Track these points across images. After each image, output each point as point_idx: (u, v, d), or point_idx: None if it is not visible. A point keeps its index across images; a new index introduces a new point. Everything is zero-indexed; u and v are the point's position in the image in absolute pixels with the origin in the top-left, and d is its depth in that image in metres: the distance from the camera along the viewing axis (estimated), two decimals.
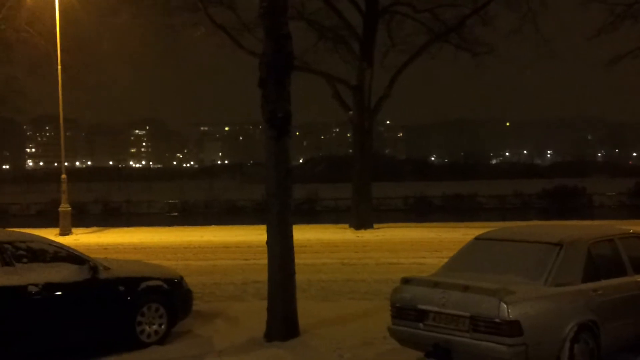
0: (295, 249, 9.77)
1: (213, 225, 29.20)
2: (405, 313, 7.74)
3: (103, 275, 9.06)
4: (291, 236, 9.67)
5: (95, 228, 27.71)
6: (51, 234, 23.10)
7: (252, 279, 14.09)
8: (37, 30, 27.01)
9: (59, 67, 25.62)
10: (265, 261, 9.80)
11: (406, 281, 7.93)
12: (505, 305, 6.91)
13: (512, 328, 6.89)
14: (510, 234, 8.66)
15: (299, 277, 9.89)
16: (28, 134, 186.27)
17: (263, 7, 9.50)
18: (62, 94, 26.08)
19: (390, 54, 28.70)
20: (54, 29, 25.53)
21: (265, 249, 9.68)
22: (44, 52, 26.97)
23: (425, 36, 28.16)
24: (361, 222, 26.31)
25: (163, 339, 9.48)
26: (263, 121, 9.66)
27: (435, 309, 7.44)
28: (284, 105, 9.57)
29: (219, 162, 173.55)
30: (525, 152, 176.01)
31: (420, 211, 46.38)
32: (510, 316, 6.89)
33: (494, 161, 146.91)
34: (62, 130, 27.05)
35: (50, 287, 8.58)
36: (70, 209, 25.47)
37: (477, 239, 8.60)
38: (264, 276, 9.93)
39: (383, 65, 28.19)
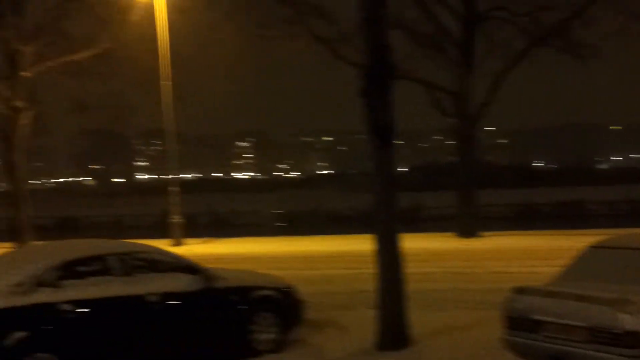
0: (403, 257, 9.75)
1: (318, 235, 29.42)
2: (519, 324, 7.59)
3: (217, 284, 9.30)
4: (399, 245, 9.66)
5: (205, 238, 28.41)
6: (164, 245, 23.86)
7: (361, 288, 14.10)
8: (143, 47, 27.96)
9: (164, 82, 26.44)
10: (372, 270, 9.81)
11: (519, 291, 7.78)
12: (625, 316, 6.69)
13: (632, 339, 6.66)
14: (628, 241, 8.31)
15: (408, 287, 9.86)
16: (137, 147, 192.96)
17: (362, 18, 9.55)
18: (167, 107, 26.92)
19: (488, 60, 28.24)
20: (159, 45, 26.41)
21: (373, 258, 9.70)
22: (150, 68, 27.86)
23: (525, 41, 27.57)
24: (467, 231, 25.98)
25: (277, 348, 9.64)
26: (367, 131, 9.69)
27: (551, 319, 7.26)
28: (387, 115, 9.58)
29: (322, 172, 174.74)
30: (635, 156, 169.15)
31: (527, 218, 45.29)
32: (630, 327, 6.66)
33: (601, 166, 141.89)
34: (171, 143, 27.90)
35: (167, 296, 8.89)
36: (181, 220, 26.22)
37: (592, 247, 8.33)
38: (372, 285, 9.94)
39: (482, 71, 27.80)
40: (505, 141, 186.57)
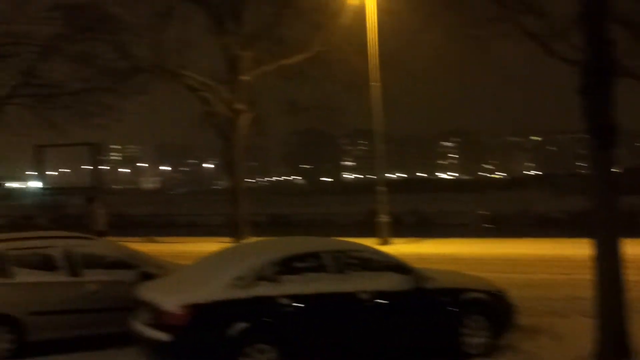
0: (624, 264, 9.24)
1: (526, 238, 28.48)
2: None
3: (428, 285, 9.35)
4: (620, 251, 9.17)
5: (411, 238, 28.49)
6: (371, 244, 24.23)
7: (576, 294, 13.52)
8: (353, 49, 28.53)
9: (373, 83, 26.82)
10: (588, 276, 9.37)
11: None
12: None
13: None
14: None
15: (629, 295, 9.33)
16: (344, 147, 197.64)
17: (580, 12, 9.15)
18: (376, 108, 27.30)
19: None
20: (370, 47, 26.84)
21: (588, 263, 9.27)
22: (360, 69, 28.37)
23: None
24: None
25: (487, 352, 9.51)
26: (586, 131, 9.28)
27: None
28: (608, 114, 9.12)
29: (529, 173, 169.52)
30: None
31: None
32: None
33: None
34: (379, 143, 28.27)
35: (379, 294, 9.05)
36: (388, 219, 26.51)
37: None
38: (588, 292, 9.49)
39: None
40: None
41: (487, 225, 45.04)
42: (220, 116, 29.85)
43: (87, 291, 10.23)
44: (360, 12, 27.75)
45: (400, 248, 24.31)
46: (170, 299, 8.32)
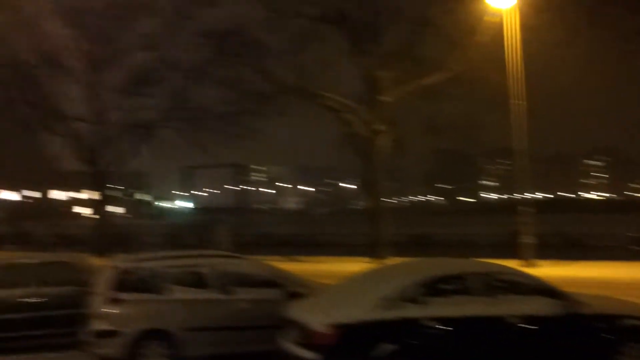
0: None
1: None
2: None
3: (581, 310, 9.00)
4: None
5: (557, 260, 27.49)
6: (514, 265, 23.57)
7: None
8: (494, 66, 27.95)
9: (514, 101, 26.16)
10: None
11: None
12: None
13: None
14: None
15: None
16: (483, 166, 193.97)
17: None
18: (518, 126, 26.61)
19: None
20: (509, 64, 26.26)
21: None
22: (500, 86, 27.75)
23: None
24: None
25: None
26: None
27: None
28: None
29: None
30: None
31: None
32: None
33: None
34: (521, 162, 27.46)
35: (528, 319, 8.80)
36: (533, 240, 25.73)
37: None
38: None
39: None
40: None
41: (638, 248, 42.84)
42: (360, 137, 30.04)
43: (237, 309, 10.57)
44: (501, 29, 27.26)
45: (546, 271, 23.44)
46: (318, 318, 8.46)
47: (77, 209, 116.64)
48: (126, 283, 10.50)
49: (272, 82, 30.57)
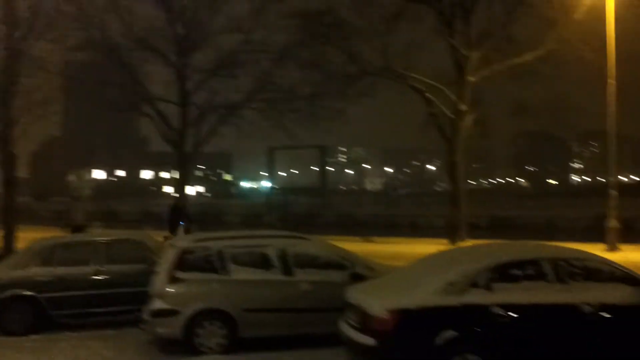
0: None
1: None
2: None
3: None
4: None
5: None
6: (597, 250, 22.65)
7: None
8: (589, 47, 26.86)
9: (610, 81, 25.07)
10: None
11: None
12: None
13: None
14: None
15: None
16: (573, 149, 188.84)
17: None
18: (611, 107, 25.53)
19: None
20: (606, 43, 25.12)
21: None
22: (595, 67, 26.66)
23: None
24: None
25: None
26: None
27: None
28: None
29: None
30: None
31: None
32: None
33: None
34: (611, 144, 26.44)
35: (604, 307, 8.27)
36: (617, 224, 24.70)
37: None
38: None
39: None
40: None
41: None
42: (444, 118, 29.52)
43: (299, 290, 10.35)
44: (596, 7, 26.07)
45: (630, 256, 22.44)
46: (378, 302, 8.15)
47: (165, 189, 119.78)
48: (186, 262, 10.42)
49: (358, 63, 30.27)
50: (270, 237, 11.25)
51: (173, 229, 20.49)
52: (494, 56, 28.62)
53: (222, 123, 31.52)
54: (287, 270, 10.49)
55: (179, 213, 21.19)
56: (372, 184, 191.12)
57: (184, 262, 10.40)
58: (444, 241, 27.25)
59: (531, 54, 27.73)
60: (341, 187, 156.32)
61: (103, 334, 11.76)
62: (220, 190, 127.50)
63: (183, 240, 11.44)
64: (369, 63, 30.07)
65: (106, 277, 12.23)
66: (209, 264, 10.44)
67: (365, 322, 8.13)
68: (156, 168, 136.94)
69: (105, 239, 13.02)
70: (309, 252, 10.94)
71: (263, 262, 10.56)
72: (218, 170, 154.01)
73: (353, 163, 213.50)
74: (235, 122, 32.51)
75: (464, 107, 28.26)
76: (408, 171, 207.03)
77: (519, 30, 29.26)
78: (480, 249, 10.15)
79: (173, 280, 10.27)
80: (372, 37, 29.37)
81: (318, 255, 10.98)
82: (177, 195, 29.31)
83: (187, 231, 20.39)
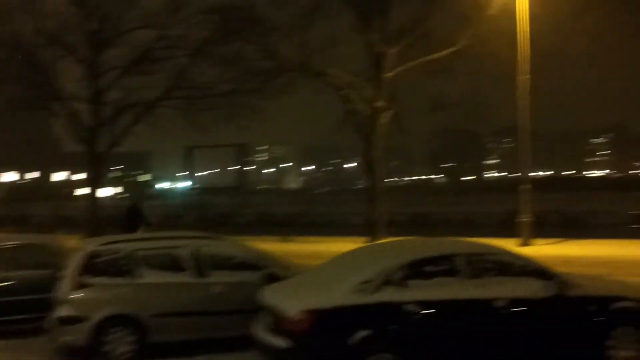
0: None
1: None
2: None
3: (571, 292, 8.53)
4: None
5: (555, 239, 27.09)
6: (510, 245, 23.12)
7: None
8: (502, 41, 27.37)
9: (521, 76, 25.59)
10: None
11: None
12: None
13: None
14: None
15: None
16: (488, 145, 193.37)
17: None
18: (523, 103, 26.07)
19: None
20: (518, 40, 25.65)
21: None
22: (507, 63, 27.20)
23: None
24: None
25: None
26: None
27: None
28: None
29: None
30: None
31: None
32: None
33: None
34: (523, 140, 26.99)
35: (515, 302, 8.34)
36: (530, 219, 25.27)
37: None
38: None
39: None
40: None
41: (638, 226, 42.36)
42: (361, 115, 29.59)
43: (213, 293, 10.10)
44: (509, 3, 26.61)
45: (543, 250, 23.06)
46: (291, 303, 8.00)
47: (78, 191, 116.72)
48: (93, 266, 10.01)
49: (276, 60, 30.04)
50: (183, 238, 10.92)
51: (131, 232, 19.62)
52: (411, 53, 28.85)
53: (137, 121, 30.91)
54: (200, 272, 10.21)
55: (136, 215, 19.93)
56: (292, 183, 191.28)
57: (91, 266, 9.98)
58: (363, 239, 27.32)
59: (446, 50, 28.07)
60: (261, 186, 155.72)
61: (8, 343, 11.21)
62: (138, 191, 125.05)
63: (90, 243, 11.01)
64: (287, 59, 29.87)
65: (11, 283, 11.66)
66: (118, 268, 10.06)
67: (279, 324, 7.97)
68: (70, 169, 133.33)
69: (9, 244, 12.40)
70: (223, 253, 10.69)
71: (176, 264, 10.24)
72: (134, 172, 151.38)
73: (273, 161, 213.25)
74: (152, 121, 31.97)
75: (381, 104, 28.40)
76: (328, 169, 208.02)
77: (436, 26, 29.63)
78: (395, 246, 10.09)
79: (79, 285, 9.83)
80: (290, 33, 29.24)
81: (233, 255, 10.74)
82: (91, 197, 28.45)
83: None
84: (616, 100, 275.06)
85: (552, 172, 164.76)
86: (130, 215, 19.84)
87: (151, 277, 10.06)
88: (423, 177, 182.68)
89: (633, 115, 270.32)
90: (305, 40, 29.00)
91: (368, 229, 28.68)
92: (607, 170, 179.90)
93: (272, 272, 10.27)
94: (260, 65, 30.56)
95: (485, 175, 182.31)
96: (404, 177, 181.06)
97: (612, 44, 27.24)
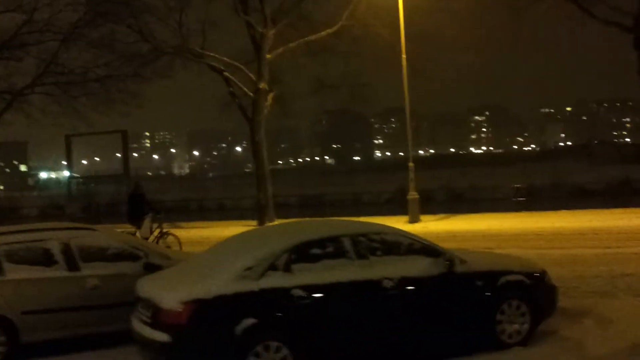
0: None
1: (562, 210, 27.22)
2: None
3: (459, 269, 8.42)
4: None
5: (442, 215, 27.55)
6: (400, 222, 23.30)
7: (620, 271, 12.47)
8: (382, 23, 27.49)
9: (404, 56, 25.76)
10: (633, 249, 8.35)
11: None
12: None
13: None
14: None
15: None
16: (375, 126, 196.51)
17: None
18: (407, 85, 26.27)
19: None
20: (398, 20, 25.75)
21: (631, 235, 8.26)
22: (388, 44, 27.38)
23: None
24: None
25: (526, 340, 8.59)
26: None
27: None
28: None
29: (562, 144, 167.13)
30: None
31: None
32: None
33: None
34: (408, 120, 27.25)
35: (405, 281, 8.14)
36: (418, 196, 25.55)
37: None
38: (634, 267, 8.48)
39: None
40: None
41: (520, 199, 43.89)
42: (244, 97, 29.15)
43: (87, 286, 9.44)
44: None
45: (431, 226, 23.34)
46: (169, 294, 7.49)
47: None
48: None
49: (152, 42, 29.06)
50: (52, 230, 10.13)
51: (135, 221, 18.50)
52: (291, 34, 28.66)
53: (6, 110, 29.51)
54: (72, 266, 9.52)
55: (140, 201, 18.93)
56: (180, 169, 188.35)
57: None
58: (253, 223, 27.04)
59: (325, 31, 28.00)
60: (148, 172, 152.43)
61: None
62: (15, 182, 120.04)
63: None
64: (163, 42, 29.22)
65: None
66: None
67: (157, 317, 7.44)
68: None
69: None
70: (97, 244, 10.02)
71: (45, 258, 9.51)
72: (14, 162, 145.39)
73: (160, 147, 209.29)
74: (24, 109, 30.60)
75: (263, 85, 28.03)
76: (216, 154, 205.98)
77: (316, 8, 29.51)
78: (281, 230, 9.73)
79: None
80: (165, 14, 28.45)
81: (107, 246, 10.08)
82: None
83: (156, 223, 18.85)
84: (494, 80, 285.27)
85: (435, 150, 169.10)
86: (133, 203, 18.99)
87: (18, 272, 9.30)
88: (314, 158, 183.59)
89: (509, 93, 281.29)
90: (182, 21, 28.48)
91: (257, 213, 28.38)
92: (489, 147, 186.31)
93: (151, 261, 9.72)
94: (135, 48, 29.69)
95: (374, 156, 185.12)
96: (294, 159, 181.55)
97: (493, 27, 27.62)
